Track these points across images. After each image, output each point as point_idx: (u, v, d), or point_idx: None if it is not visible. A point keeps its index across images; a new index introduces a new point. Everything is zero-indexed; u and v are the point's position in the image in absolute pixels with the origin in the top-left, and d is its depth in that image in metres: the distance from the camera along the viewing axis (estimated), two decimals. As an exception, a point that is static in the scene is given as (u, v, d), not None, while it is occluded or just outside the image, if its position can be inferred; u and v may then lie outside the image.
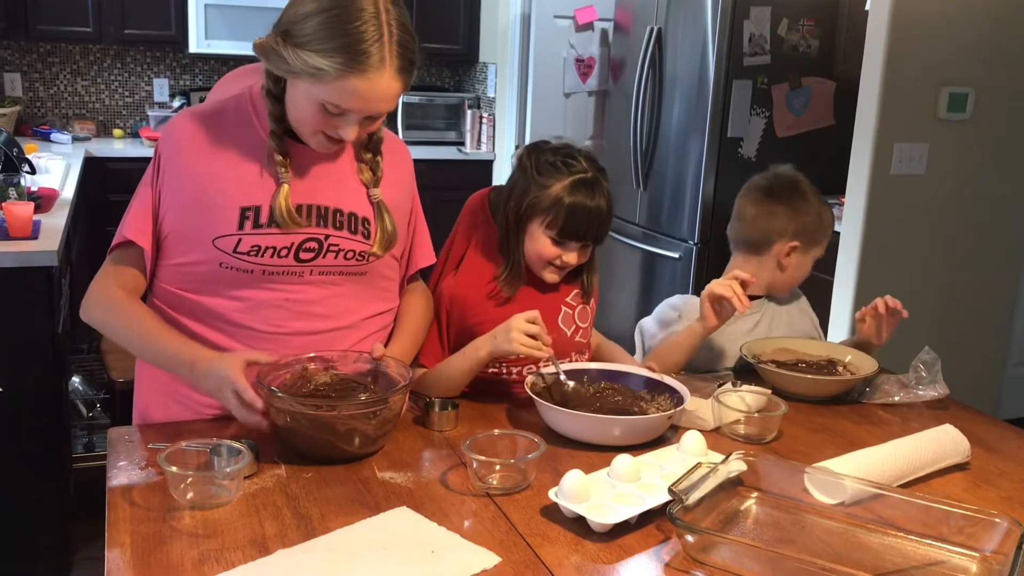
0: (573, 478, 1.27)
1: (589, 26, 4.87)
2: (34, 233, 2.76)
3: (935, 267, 3.68)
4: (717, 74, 4.07)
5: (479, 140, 5.45)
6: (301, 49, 1.38)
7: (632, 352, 2.10)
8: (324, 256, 1.54)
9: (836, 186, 3.73)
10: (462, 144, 5.49)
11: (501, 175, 5.31)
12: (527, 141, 4.85)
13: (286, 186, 1.50)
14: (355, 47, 1.37)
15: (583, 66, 4.93)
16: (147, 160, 4.76)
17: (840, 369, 1.86)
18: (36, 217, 2.88)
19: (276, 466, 1.39)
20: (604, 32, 4.89)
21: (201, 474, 1.29)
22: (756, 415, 1.60)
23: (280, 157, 1.50)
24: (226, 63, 5.36)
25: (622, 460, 1.35)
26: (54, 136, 4.83)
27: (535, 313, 1.63)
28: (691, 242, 4.27)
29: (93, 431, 3.36)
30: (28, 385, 2.63)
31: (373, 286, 1.64)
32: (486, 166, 5.43)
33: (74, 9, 4.76)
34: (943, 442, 1.52)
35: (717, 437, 1.59)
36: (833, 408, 1.78)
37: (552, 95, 4.90)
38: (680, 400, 1.58)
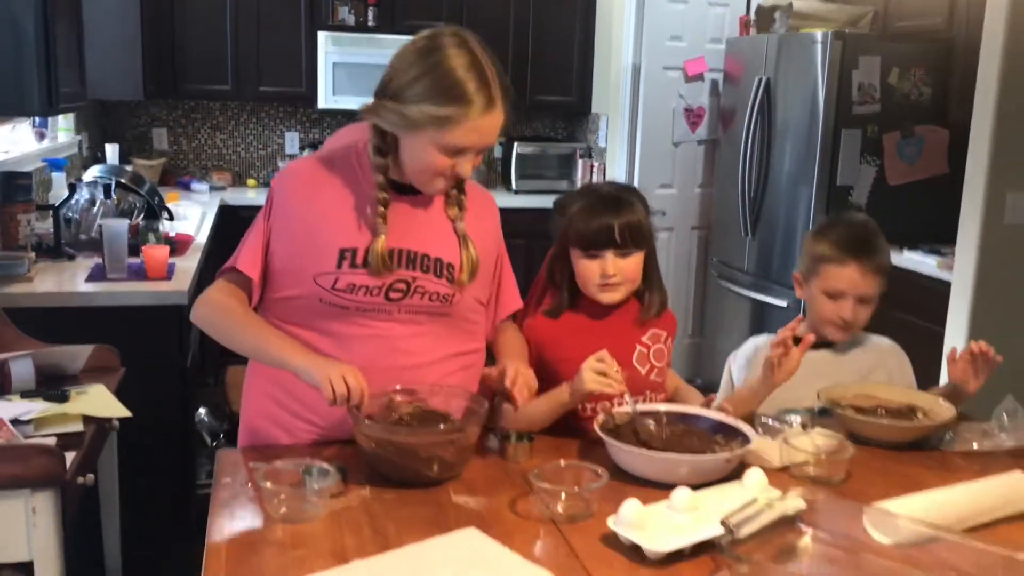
0: (631, 507, 1.35)
1: (699, 77, 4.95)
2: (168, 274, 3.02)
3: (1053, 318, 3.56)
4: (826, 123, 4.08)
5: (591, 189, 5.57)
6: (420, 104, 1.56)
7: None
8: (411, 297, 1.68)
9: (950, 235, 3.67)
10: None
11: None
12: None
13: (383, 236, 1.65)
14: (473, 93, 1.56)
15: (692, 116, 5.00)
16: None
17: (920, 416, 1.87)
18: (172, 260, 3.15)
19: (362, 487, 1.52)
20: (714, 82, 4.96)
21: (293, 490, 1.42)
22: (823, 457, 1.63)
23: (382, 208, 1.66)
24: (351, 117, 5.66)
25: (681, 492, 1.42)
26: (194, 186, 5.21)
27: (603, 352, 1.73)
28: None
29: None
30: (158, 414, 2.85)
31: (456, 327, 1.77)
32: (597, 214, 5.53)
33: (215, 69, 5.15)
34: (1012, 488, 1.52)
35: (786, 478, 1.63)
36: (911, 455, 1.78)
37: (662, 144, 4.98)
38: (748, 442, 1.63)
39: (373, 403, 1.61)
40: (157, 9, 4.86)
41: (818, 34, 4.14)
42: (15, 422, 2.03)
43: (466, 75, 1.57)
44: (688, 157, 5.04)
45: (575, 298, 1.93)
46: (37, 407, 2.12)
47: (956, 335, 3.55)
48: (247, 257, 1.71)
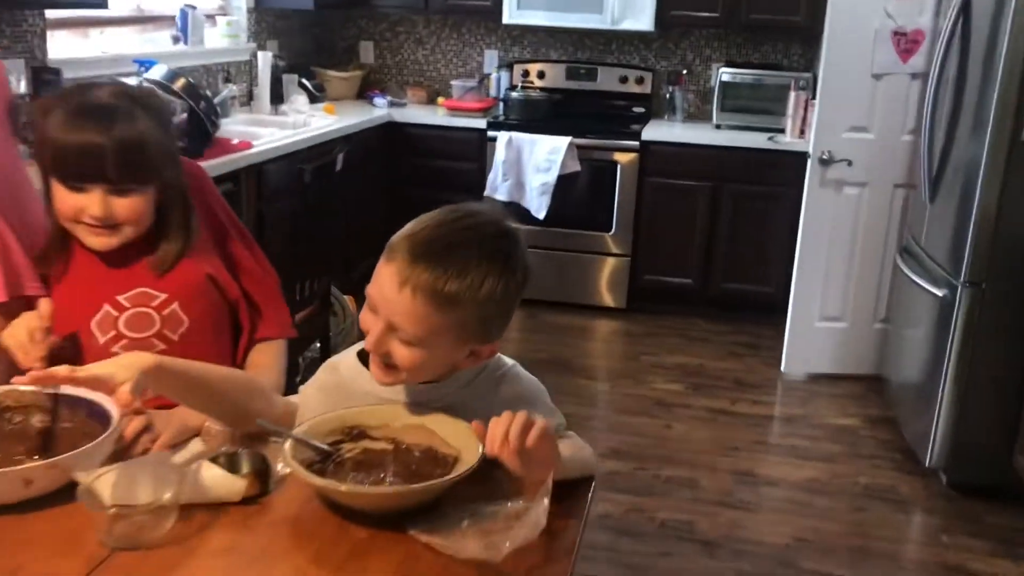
0: None
1: (917, -10, 3.81)
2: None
3: None
4: (1011, 56, 2.93)
5: (802, 128, 4.64)
6: None
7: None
8: None
9: None
10: (782, 131, 4.72)
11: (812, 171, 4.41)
12: (815, 133, 3.99)
13: None
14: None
15: (906, 41, 3.88)
16: (437, 128, 4.71)
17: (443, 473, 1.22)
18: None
19: None
20: (939, -1, 3.79)
21: None
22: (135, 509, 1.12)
23: None
24: (535, 33, 5.24)
25: None
26: (376, 100, 5.18)
27: (44, 313, 1.38)
28: (956, 280, 3.18)
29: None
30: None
31: None
32: (799, 159, 4.56)
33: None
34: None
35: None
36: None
37: (855, 76, 3.92)
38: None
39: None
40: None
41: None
42: None
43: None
44: (895, 94, 3.93)
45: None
46: None
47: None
48: None
